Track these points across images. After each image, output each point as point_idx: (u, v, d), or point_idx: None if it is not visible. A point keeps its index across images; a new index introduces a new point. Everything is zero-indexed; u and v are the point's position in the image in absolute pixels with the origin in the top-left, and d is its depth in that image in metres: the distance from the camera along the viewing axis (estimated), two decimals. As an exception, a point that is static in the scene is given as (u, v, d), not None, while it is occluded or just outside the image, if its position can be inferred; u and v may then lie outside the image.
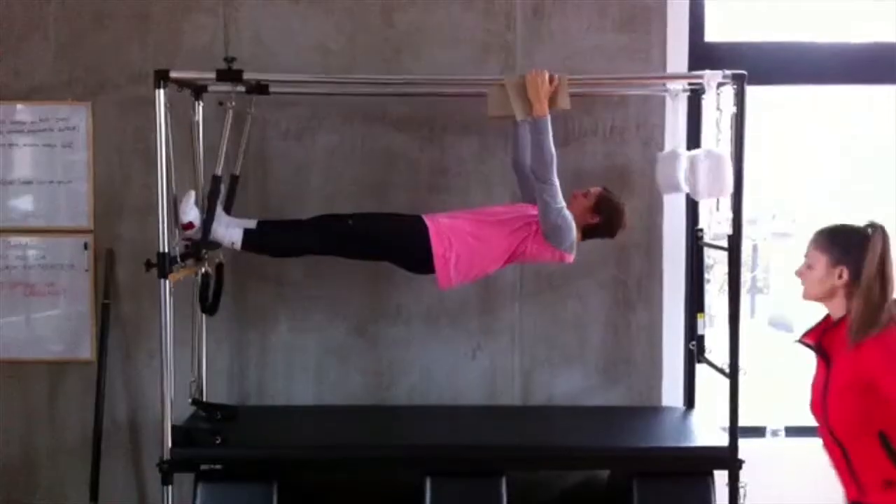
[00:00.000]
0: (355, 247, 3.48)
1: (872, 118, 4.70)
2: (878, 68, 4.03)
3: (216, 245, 3.44)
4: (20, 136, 3.88)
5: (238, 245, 3.41)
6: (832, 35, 4.09)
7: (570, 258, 3.48)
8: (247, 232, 3.41)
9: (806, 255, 2.57)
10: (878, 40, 4.07)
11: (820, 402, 2.54)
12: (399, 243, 3.46)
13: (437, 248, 3.39)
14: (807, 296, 2.59)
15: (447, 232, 3.42)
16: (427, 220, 3.45)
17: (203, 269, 3.49)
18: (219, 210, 3.38)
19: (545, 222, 3.37)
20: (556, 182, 3.32)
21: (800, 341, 2.62)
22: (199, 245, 3.38)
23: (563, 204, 3.36)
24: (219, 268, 3.59)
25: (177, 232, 3.34)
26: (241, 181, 3.65)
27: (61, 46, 3.86)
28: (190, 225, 3.35)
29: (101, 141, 3.88)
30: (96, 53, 3.85)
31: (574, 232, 3.41)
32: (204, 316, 3.73)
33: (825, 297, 2.54)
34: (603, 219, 3.50)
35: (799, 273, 2.59)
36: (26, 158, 3.90)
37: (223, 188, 3.46)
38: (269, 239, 3.46)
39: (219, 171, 3.36)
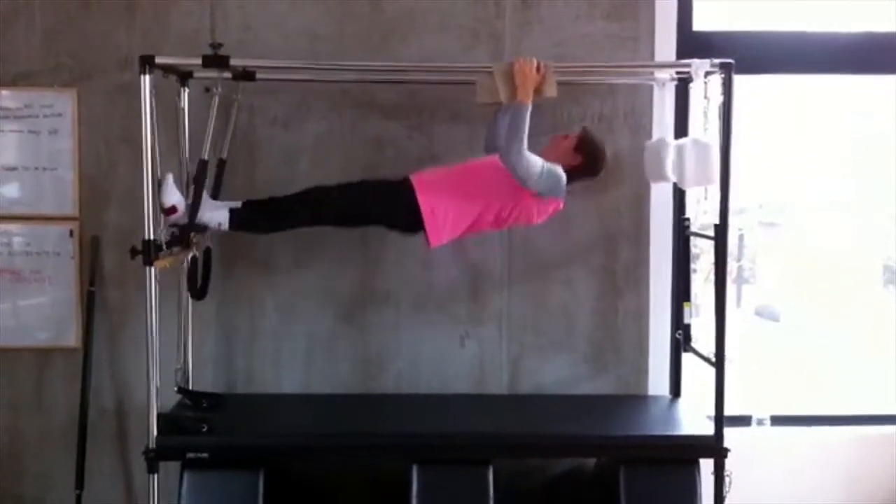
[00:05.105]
0: (343, 215, 3.46)
1: (862, 108, 4.71)
2: (866, 58, 4.05)
3: (204, 228, 3.41)
4: (5, 122, 3.84)
5: (225, 226, 3.39)
6: (820, 25, 4.09)
7: (561, 203, 3.49)
8: (233, 212, 3.39)
9: None
10: (866, 30, 4.07)
11: None
12: (386, 205, 3.44)
13: (424, 205, 3.37)
14: None
15: (434, 187, 3.40)
16: (413, 179, 3.43)
17: (191, 254, 3.48)
18: (203, 195, 3.36)
19: (536, 189, 3.36)
20: (524, 157, 3.28)
21: None
22: (187, 229, 3.36)
23: (539, 166, 3.33)
24: (206, 252, 3.57)
25: (162, 218, 3.33)
26: (228, 168, 3.64)
27: (47, 32, 3.82)
28: (173, 209, 3.32)
29: (87, 127, 3.85)
30: (82, 39, 3.82)
31: (563, 180, 3.41)
32: (190, 303, 3.73)
33: None
34: (585, 159, 3.51)
35: None
36: (11, 145, 3.86)
37: (211, 172, 3.43)
38: (256, 216, 3.44)
39: (205, 156, 3.34)
